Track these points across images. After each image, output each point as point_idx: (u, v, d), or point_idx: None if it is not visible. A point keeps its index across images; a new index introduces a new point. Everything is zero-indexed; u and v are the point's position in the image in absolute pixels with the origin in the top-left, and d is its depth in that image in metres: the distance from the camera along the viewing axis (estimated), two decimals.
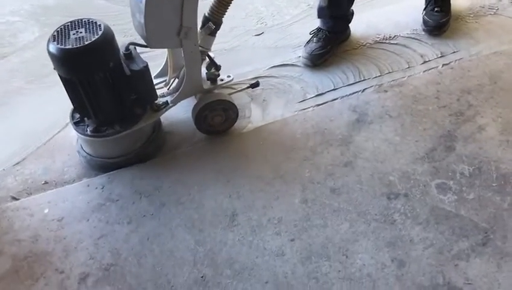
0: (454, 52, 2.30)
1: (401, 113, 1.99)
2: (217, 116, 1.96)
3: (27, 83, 2.42)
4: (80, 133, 1.83)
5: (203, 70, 1.97)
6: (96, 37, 1.61)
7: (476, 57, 2.24)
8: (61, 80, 1.70)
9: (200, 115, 1.93)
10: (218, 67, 1.97)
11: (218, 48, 2.45)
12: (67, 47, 1.58)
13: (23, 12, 2.93)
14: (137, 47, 1.81)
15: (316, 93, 2.18)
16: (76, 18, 1.69)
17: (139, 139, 1.92)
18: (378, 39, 2.43)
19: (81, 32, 1.64)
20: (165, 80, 2.01)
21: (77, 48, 1.58)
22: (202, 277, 1.53)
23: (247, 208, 1.71)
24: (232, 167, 1.86)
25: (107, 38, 1.65)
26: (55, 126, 2.12)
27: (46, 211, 1.75)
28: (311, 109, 2.09)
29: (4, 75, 2.48)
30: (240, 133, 2.01)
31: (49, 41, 1.62)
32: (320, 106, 2.09)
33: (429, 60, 2.27)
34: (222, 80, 2.00)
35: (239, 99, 2.19)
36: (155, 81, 1.99)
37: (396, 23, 2.51)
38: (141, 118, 1.86)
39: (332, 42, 2.33)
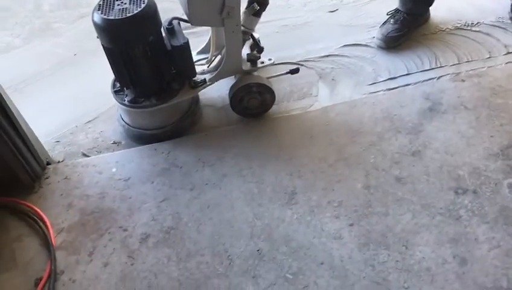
0: None
1: (478, 106, 1.89)
2: (253, 99, 1.92)
3: (100, 45, 2.49)
4: (119, 102, 1.87)
5: (246, 51, 1.93)
6: (139, 9, 1.61)
7: None
8: (103, 49, 1.73)
9: (236, 96, 1.91)
10: (260, 49, 1.91)
11: (290, 23, 2.42)
12: (109, 17, 1.60)
13: None
14: (181, 22, 1.81)
15: (388, 77, 2.11)
16: None
17: (176, 112, 1.93)
18: (459, 25, 2.30)
19: (125, 4, 1.65)
20: (207, 57, 2.00)
21: (119, 19, 1.59)
22: (258, 250, 1.55)
23: (308, 187, 1.70)
24: (295, 145, 1.85)
25: (150, 12, 1.64)
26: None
27: (114, 170, 1.82)
28: (381, 92, 2.03)
29: (80, 35, 2.58)
30: (306, 112, 1.99)
31: (94, 10, 1.65)
32: (392, 91, 2.03)
33: None
34: (263, 62, 1.95)
35: (307, 77, 2.16)
36: (197, 58, 2.00)
37: (480, 9, 2.37)
38: (178, 93, 1.86)
39: (410, 25, 2.24)
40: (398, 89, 2.03)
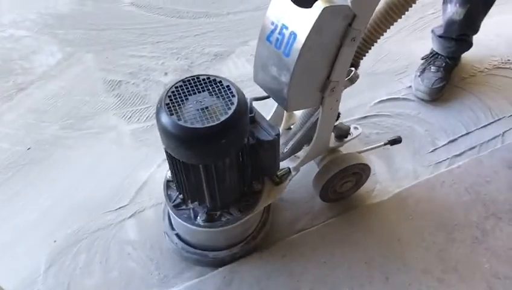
0: None
1: None
2: (347, 183, 1.54)
3: (63, 129, 1.85)
4: (187, 223, 1.35)
5: None
6: (233, 108, 1.12)
7: None
8: (172, 161, 1.21)
9: (328, 184, 1.49)
10: (338, 116, 1.52)
11: None
12: (195, 126, 1.08)
13: (30, 24, 2.30)
14: None
15: (448, 140, 1.78)
16: (191, 75, 1.17)
17: (252, 224, 1.47)
18: (496, 63, 2.04)
19: (205, 99, 1.14)
20: None
21: (210, 127, 1.08)
22: None
23: None
24: (384, 256, 1.45)
25: (243, 106, 1.16)
26: (122, 198, 1.61)
27: None
28: (451, 164, 1.69)
29: (28, 117, 1.89)
30: (379, 202, 1.59)
31: (160, 109, 1.12)
32: (464, 160, 1.70)
33: None
34: (350, 134, 1.56)
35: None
36: None
37: (508, 41, 2.13)
38: (261, 195, 1.39)
39: (452, 70, 1.93)
40: (473, 158, 1.70)
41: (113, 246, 1.50)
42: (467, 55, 2.03)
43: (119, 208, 1.58)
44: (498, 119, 1.83)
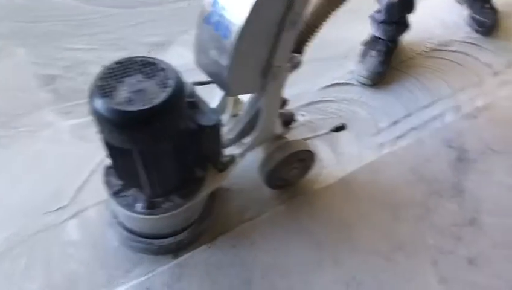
0: None
1: (506, 146, 1.70)
2: (294, 170, 1.54)
3: None
4: (127, 210, 1.31)
5: None
6: (168, 91, 1.08)
7: None
8: (107, 146, 1.16)
9: (275, 172, 1.48)
10: (285, 102, 1.53)
11: None
12: (128, 108, 1.04)
13: None
14: None
15: (390, 122, 1.81)
16: (128, 56, 1.13)
17: (196, 210, 1.44)
18: (433, 45, 2.09)
19: (140, 81, 1.10)
20: None
21: (143, 110, 1.04)
22: None
23: None
24: (333, 240, 1.46)
25: (179, 88, 1.12)
26: (62, 197, 1.54)
27: None
28: (393, 145, 1.73)
29: None
30: (325, 188, 1.59)
31: (93, 93, 1.06)
32: (407, 141, 1.73)
33: (499, 72, 1.99)
34: (295, 120, 1.56)
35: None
36: None
37: (443, 23, 2.19)
38: (204, 181, 1.37)
39: (392, 53, 1.96)
40: (415, 139, 1.74)
41: (54, 248, 1.43)
42: (405, 38, 2.08)
43: (59, 208, 1.50)
44: (437, 100, 1.88)
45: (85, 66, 1.92)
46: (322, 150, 1.71)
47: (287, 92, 1.53)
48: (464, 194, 1.57)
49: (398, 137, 1.76)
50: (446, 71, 1.99)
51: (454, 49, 2.08)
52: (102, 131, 1.11)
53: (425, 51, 2.07)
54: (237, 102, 1.53)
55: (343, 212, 1.53)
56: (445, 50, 2.08)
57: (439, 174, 1.63)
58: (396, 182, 1.61)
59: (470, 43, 2.11)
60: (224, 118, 1.48)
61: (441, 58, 2.05)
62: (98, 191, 1.44)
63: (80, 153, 1.65)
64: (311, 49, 1.88)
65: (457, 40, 2.11)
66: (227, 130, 1.49)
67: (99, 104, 1.05)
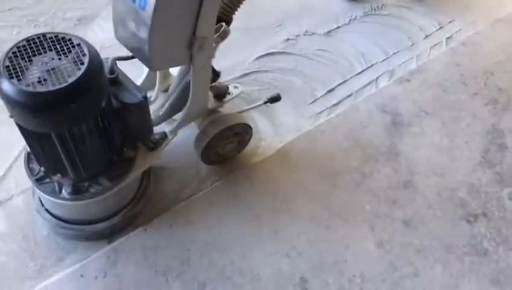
0: (451, 21, 2.07)
1: (436, 108, 1.74)
2: (229, 144, 1.50)
3: None
4: (52, 197, 1.23)
5: None
6: (83, 68, 1.00)
7: (479, 29, 2.04)
8: (22, 130, 1.08)
9: (209, 147, 1.45)
10: (218, 75, 1.48)
11: None
12: (39, 90, 0.96)
13: None
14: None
15: (326, 90, 1.80)
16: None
17: (129, 192, 1.39)
18: (366, 10, 2.08)
19: (53, 60, 1.02)
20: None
21: (56, 90, 0.96)
22: None
23: (316, 268, 1.34)
24: (271, 211, 1.45)
25: (97, 65, 1.05)
26: None
27: None
28: (330, 113, 1.72)
29: None
30: (262, 160, 1.57)
31: (0, 75, 0.98)
32: (342, 108, 1.73)
33: (430, 34, 2.02)
34: (229, 93, 1.52)
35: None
36: None
37: None
38: (134, 162, 1.31)
39: None
40: (351, 106, 1.74)
41: None
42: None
43: None
44: (371, 65, 1.89)
45: (0, 45, 1.78)
46: (260, 122, 1.69)
47: (220, 64, 1.48)
48: (399, 158, 1.60)
49: (334, 105, 1.76)
50: (381, 36, 2.00)
51: (387, 13, 2.08)
52: (13, 114, 1.02)
53: (360, 16, 2.06)
54: (167, 77, 1.47)
55: (281, 183, 1.51)
56: (378, 14, 2.08)
57: (375, 140, 1.64)
58: (333, 149, 1.61)
59: (402, 6, 2.12)
60: (153, 94, 1.42)
61: (375, 22, 2.05)
62: (24, 177, 1.35)
63: (1, 139, 1.54)
64: (244, 17, 1.83)
65: (390, 4, 2.12)
66: (157, 107, 1.43)
67: (7, 86, 0.96)
